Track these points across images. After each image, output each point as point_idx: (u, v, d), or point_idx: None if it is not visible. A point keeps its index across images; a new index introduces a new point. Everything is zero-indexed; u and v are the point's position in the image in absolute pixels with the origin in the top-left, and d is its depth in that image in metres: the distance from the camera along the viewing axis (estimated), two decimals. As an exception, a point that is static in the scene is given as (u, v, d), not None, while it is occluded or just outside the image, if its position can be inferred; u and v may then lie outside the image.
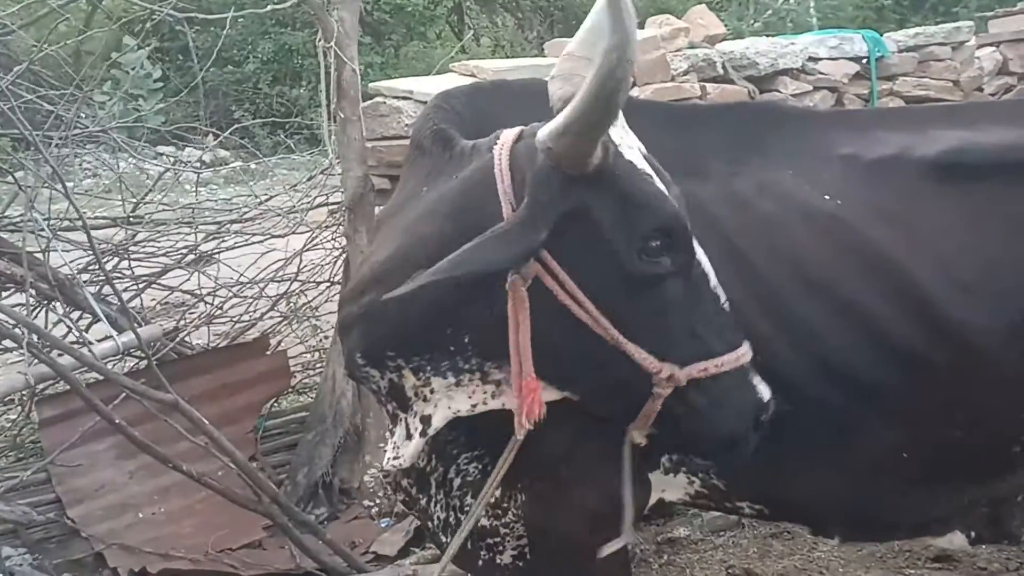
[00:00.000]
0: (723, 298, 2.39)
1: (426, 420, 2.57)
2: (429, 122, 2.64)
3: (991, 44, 6.89)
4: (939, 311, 2.60)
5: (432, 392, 2.53)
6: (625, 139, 2.34)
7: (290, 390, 5.93)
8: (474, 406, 2.51)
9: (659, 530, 4.51)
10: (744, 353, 2.38)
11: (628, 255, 2.27)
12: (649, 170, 2.33)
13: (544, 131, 2.23)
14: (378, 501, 4.93)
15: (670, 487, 2.84)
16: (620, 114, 2.31)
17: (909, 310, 2.61)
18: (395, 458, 2.68)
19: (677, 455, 2.78)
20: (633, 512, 2.66)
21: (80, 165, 9.59)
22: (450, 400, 2.52)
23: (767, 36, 7.08)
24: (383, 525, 4.83)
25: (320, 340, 6.55)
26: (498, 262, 2.22)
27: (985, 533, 2.92)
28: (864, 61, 6.19)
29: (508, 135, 2.37)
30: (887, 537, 3.32)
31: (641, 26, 5.77)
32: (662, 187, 2.32)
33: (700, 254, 2.38)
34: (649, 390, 2.32)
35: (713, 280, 2.38)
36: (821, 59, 6.07)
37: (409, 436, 2.62)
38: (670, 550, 4.47)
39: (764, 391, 2.39)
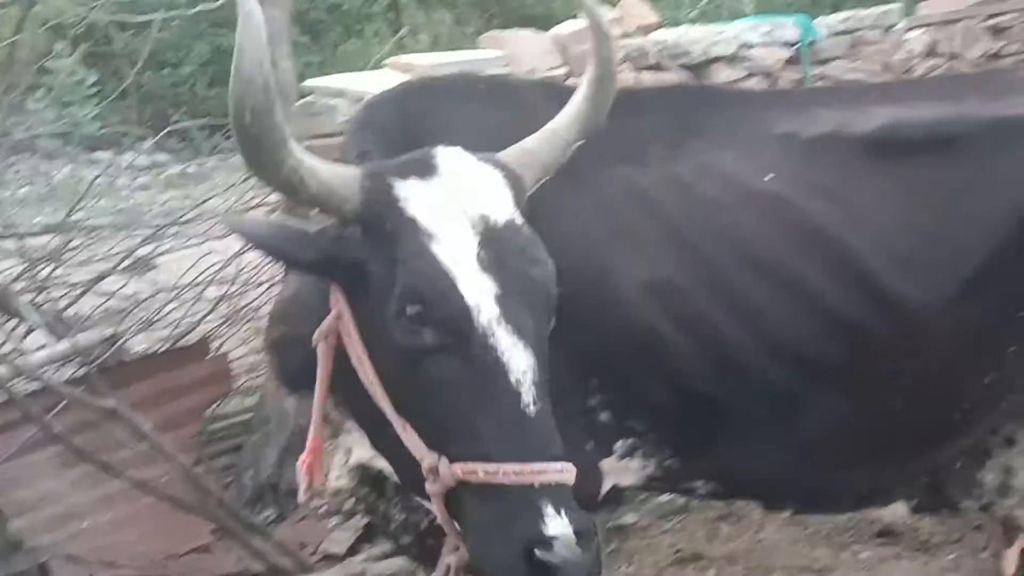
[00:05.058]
0: (532, 402, 2.06)
1: (348, 452, 2.61)
2: (355, 142, 2.64)
3: (921, 26, 6.96)
4: (877, 285, 2.66)
5: (348, 432, 2.56)
6: (433, 195, 2.17)
7: (234, 392, 5.86)
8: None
9: (607, 517, 4.51)
10: (541, 471, 2.01)
11: (390, 319, 2.12)
12: (435, 230, 2.11)
13: None
14: (326, 500, 4.90)
15: (625, 473, 2.81)
16: (449, 172, 2.21)
17: (849, 285, 2.67)
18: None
19: (632, 439, 2.72)
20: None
21: (16, 173, 9.44)
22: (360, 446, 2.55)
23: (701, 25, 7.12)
24: (331, 524, 4.80)
25: (263, 342, 6.47)
26: (282, 251, 2.21)
27: (926, 501, 2.99)
28: (796, 46, 6.25)
29: None
30: (836, 509, 3.37)
31: (574, 16, 5.79)
32: (438, 249, 2.10)
33: (507, 342, 2.07)
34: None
35: (517, 375, 2.06)
36: (754, 45, 6.13)
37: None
38: (619, 536, 4.48)
39: (555, 526, 1.97)
